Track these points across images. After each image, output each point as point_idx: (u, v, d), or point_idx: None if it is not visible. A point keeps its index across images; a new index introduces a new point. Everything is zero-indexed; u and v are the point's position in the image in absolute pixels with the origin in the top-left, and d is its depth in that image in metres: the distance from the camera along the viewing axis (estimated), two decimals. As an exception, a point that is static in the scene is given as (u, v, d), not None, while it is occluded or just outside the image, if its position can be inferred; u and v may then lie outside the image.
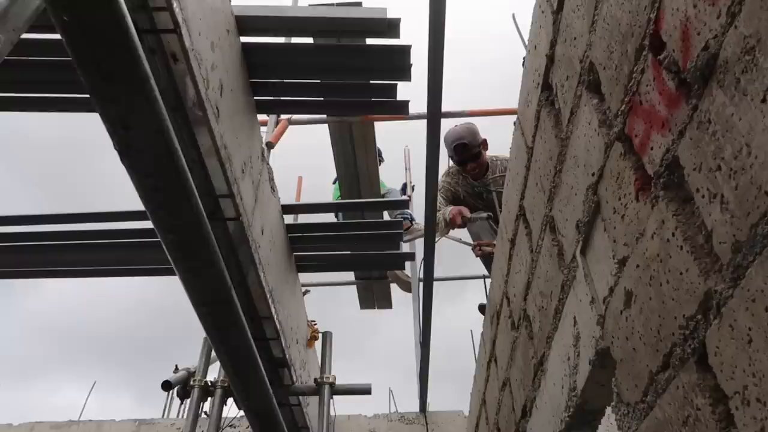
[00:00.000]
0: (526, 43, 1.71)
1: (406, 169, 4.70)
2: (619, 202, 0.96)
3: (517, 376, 1.85)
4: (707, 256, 0.70)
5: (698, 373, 0.72)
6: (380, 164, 4.27)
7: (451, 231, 3.44)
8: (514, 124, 1.71)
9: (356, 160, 3.63)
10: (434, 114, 1.87)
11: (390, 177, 5.56)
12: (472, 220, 3.35)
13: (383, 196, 4.16)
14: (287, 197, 2.56)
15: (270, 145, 3.21)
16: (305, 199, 5.26)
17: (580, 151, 1.14)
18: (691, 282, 0.73)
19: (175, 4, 1.16)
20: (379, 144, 3.91)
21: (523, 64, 1.59)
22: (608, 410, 1.25)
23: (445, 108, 2.29)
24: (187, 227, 1.06)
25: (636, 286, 0.90)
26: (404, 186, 4.67)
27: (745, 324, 0.61)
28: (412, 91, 2.22)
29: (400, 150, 5.00)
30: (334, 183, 4.72)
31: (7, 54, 0.79)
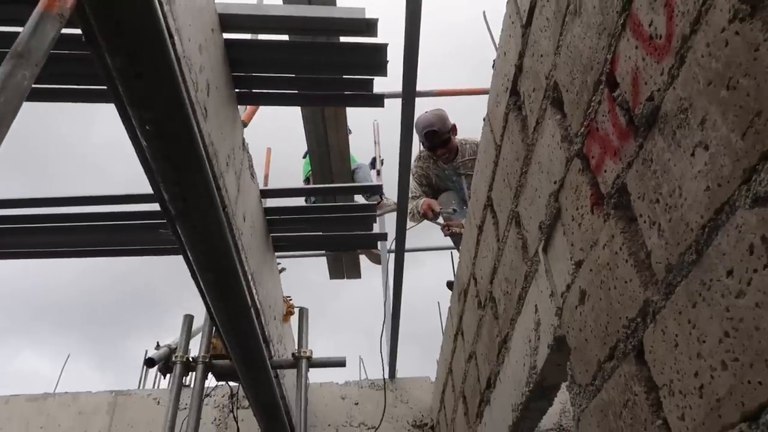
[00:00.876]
0: (496, 43, 1.81)
1: (375, 143, 4.78)
2: (576, 211, 1.09)
3: (483, 351, 2.01)
4: (647, 271, 0.84)
5: (636, 366, 0.87)
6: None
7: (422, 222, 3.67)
8: (484, 119, 1.82)
9: (327, 138, 3.68)
10: (409, 94, 1.96)
11: (359, 149, 5.62)
12: (443, 215, 3.56)
13: (353, 172, 4.26)
14: (256, 163, 2.61)
15: (243, 125, 3.24)
16: (275, 170, 5.30)
17: (544, 159, 1.26)
18: (633, 290, 0.87)
19: (169, 17, 1.22)
20: (348, 117, 3.98)
21: (493, 66, 1.69)
22: (563, 386, 1.41)
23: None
24: (224, 270, 1.17)
25: (589, 287, 1.04)
26: (374, 160, 4.76)
27: (673, 331, 0.76)
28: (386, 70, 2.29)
29: (370, 123, 5.08)
30: (304, 157, 4.77)
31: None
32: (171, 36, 1.26)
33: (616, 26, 0.89)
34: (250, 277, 2.06)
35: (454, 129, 3.71)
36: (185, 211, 1.02)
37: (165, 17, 1.21)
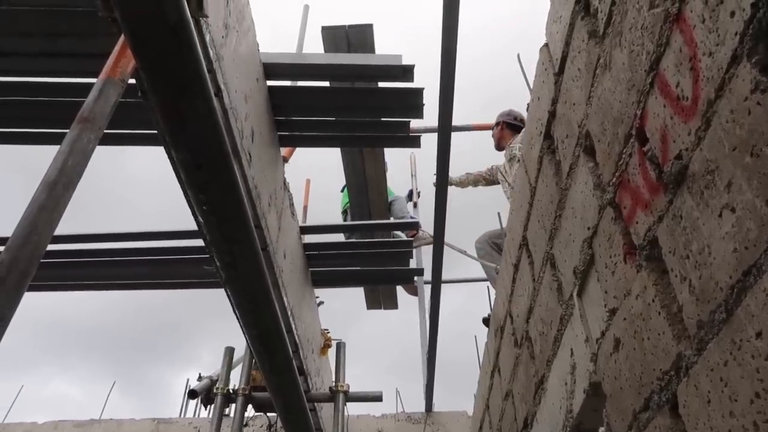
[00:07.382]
0: (530, 84, 1.85)
1: (412, 175, 4.84)
2: (610, 259, 1.10)
3: (519, 390, 2.00)
4: (679, 324, 0.84)
5: (671, 419, 0.87)
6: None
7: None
8: (519, 160, 1.85)
9: (365, 170, 3.75)
10: (445, 129, 2.00)
11: (396, 182, 5.69)
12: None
13: (390, 204, 4.31)
14: (296, 198, 2.68)
15: (284, 160, 3.34)
16: (313, 203, 5.41)
17: (577, 205, 1.28)
18: (666, 343, 0.88)
19: (218, 72, 1.30)
20: (386, 150, 4.06)
21: (527, 109, 1.72)
22: (600, 430, 1.40)
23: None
24: (268, 329, 1.24)
25: (623, 335, 1.05)
26: (410, 192, 4.81)
27: (706, 388, 0.76)
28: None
29: (406, 156, 5.15)
30: (342, 191, 4.86)
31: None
32: (219, 91, 1.34)
33: (645, 84, 0.91)
34: (289, 312, 2.12)
35: (499, 124, 4.09)
36: (235, 277, 1.08)
37: (214, 73, 1.29)
